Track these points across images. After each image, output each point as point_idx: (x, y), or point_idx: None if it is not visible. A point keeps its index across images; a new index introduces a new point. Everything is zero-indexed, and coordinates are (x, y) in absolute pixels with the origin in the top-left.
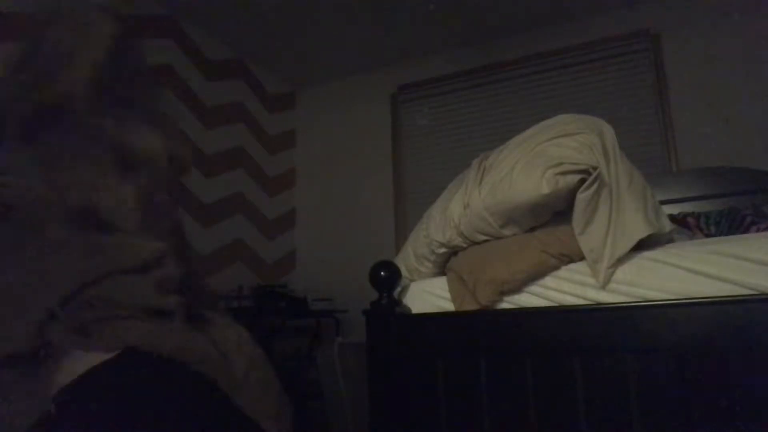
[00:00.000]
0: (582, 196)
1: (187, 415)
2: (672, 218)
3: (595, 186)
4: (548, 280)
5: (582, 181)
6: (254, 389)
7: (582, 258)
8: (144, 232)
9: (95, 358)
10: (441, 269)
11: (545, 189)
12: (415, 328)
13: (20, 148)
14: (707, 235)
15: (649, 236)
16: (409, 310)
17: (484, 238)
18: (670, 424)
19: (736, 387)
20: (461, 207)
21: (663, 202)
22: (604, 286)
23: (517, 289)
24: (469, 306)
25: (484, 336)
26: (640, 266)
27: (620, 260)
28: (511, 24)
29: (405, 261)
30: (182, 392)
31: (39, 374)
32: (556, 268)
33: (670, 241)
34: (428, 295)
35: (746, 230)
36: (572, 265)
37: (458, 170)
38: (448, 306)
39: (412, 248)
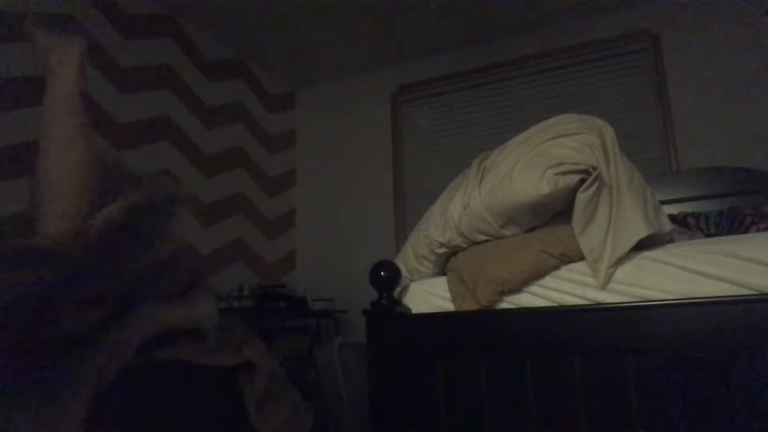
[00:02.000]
0: (582, 196)
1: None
2: (672, 218)
3: (595, 186)
4: (548, 280)
5: (582, 181)
6: (273, 403)
7: (582, 258)
8: None
9: None
10: (441, 269)
11: (545, 189)
12: (415, 328)
13: None
14: (707, 235)
15: (649, 236)
16: (409, 310)
17: (484, 238)
18: (670, 424)
19: (736, 387)
20: (461, 207)
21: (663, 202)
22: (604, 286)
23: (517, 289)
24: (469, 306)
25: (484, 336)
26: (640, 266)
27: (620, 260)
28: (511, 24)
29: (405, 261)
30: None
31: None
32: (556, 268)
33: (670, 241)
34: (428, 295)
35: (746, 230)
36: (572, 265)
37: (458, 170)
38: (448, 306)
39: (412, 248)
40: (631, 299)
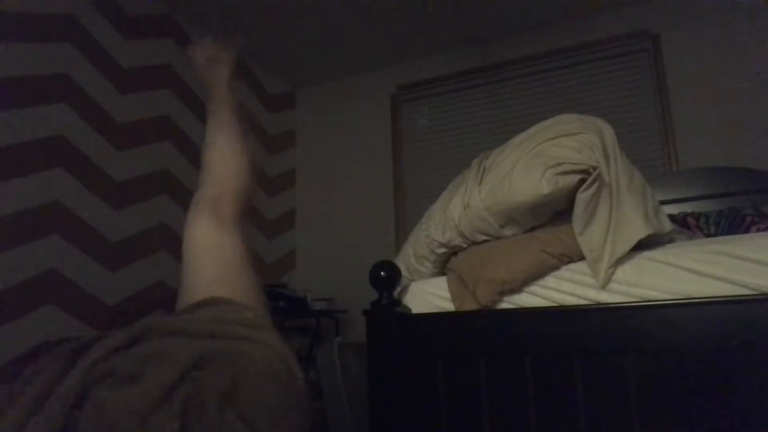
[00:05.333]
0: (582, 196)
1: None
2: (672, 218)
3: (595, 186)
4: (548, 280)
5: (582, 181)
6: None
7: (582, 258)
8: None
9: None
10: (441, 269)
11: (545, 189)
12: (415, 328)
13: None
14: (707, 235)
15: (649, 236)
16: (409, 310)
17: (484, 238)
18: (670, 424)
19: (736, 387)
20: (461, 207)
21: (663, 202)
22: (604, 286)
23: (517, 289)
24: (469, 306)
25: (484, 336)
26: (640, 266)
27: (620, 260)
28: (511, 24)
29: (405, 261)
30: None
31: None
32: (556, 268)
33: (670, 241)
34: (428, 295)
35: (746, 230)
36: (572, 265)
37: (458, 170)
38: (448, 306)
39: (412, 248)
40: (631, 299)
